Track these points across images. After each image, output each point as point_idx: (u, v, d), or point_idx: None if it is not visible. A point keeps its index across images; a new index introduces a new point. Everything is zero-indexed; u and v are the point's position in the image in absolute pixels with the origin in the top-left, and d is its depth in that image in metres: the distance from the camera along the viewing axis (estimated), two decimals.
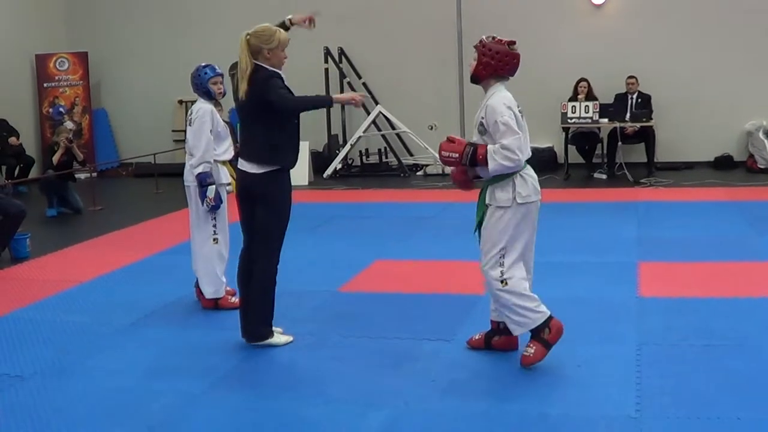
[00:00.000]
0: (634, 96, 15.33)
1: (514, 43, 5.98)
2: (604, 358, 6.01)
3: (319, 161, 16.68)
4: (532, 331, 5.87)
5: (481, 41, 5.93)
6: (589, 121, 14.82)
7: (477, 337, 6.27)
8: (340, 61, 17.12)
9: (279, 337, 6.45)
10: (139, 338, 6.79)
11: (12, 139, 16.01)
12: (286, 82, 6.27)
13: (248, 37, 6.25)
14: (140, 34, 18.20)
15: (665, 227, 10.52)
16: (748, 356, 5.95)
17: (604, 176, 14.99)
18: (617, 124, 14.68)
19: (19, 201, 10.52)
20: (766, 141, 15.12)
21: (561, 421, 5.03)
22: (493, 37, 5.96)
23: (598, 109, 14.76)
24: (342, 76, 17.04)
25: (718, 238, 9.76)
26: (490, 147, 5.78)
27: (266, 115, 6.18)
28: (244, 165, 6.32)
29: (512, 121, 5.79)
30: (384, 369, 5.99)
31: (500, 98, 5.83)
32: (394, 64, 16.80)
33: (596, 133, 15.29)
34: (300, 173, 15.82)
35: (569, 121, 14.92)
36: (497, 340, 6.18)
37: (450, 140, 5.95)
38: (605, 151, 15.31)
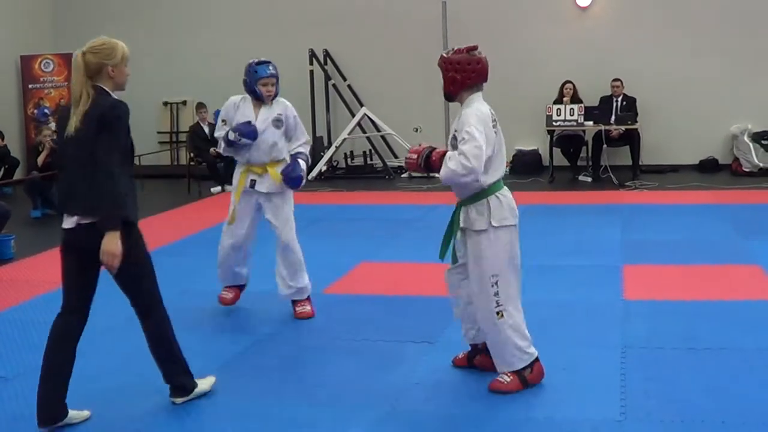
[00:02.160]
0: (619, 99, 15.37)
1: (474, 48, 5.64)
2: (589, 361, 6.01)
3: None
4: None
5: (441, 57, 5.73)
6: (574, 123, 14.85)
7: (460, 356, 6.05)
8: (326, 63, 17.12)
9: (203, 383, 5.62)
10: (124, 340, 6.76)
11: None
12: (130, 119, 5.17)
13: (84, 54, 5.05)
14: (125, 36, 17.92)
15: (650, 230, 10.54)
16: (732, 359, 5.97)
17: (589, 179, 15.03)
18: (602, 127, 14.71)
19: (3, 202, 10.50)
20: (751, 144, 15.19)
21: (546, 425, 5.03)
22: (453, 49, 5.73)
23: (583, 112, 14.80)
24: (327, 78, 17.05)
25: (703, 241, 9.78)
26: (448, 153, 5.43)
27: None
28: (75, 220, 5.05)
29: (477, 133, 5.27)
30: (369, 371, 5.98)
31: (473, 110, 5.45)
32: (379, 66, 16.81)
33: (581, 136, 15.32)
34: None
35: (554, 123, 14.96)
36: (479, 359, 5.91)
37: (419, 144, 5.77)
38: (590, 154, 15.34)
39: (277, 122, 7.30)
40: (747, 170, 15.07)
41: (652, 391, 5.42)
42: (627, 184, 14.25)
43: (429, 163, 5.51)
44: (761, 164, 15.02)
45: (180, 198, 14.65)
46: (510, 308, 5.51)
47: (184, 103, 18.21)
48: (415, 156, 5.59)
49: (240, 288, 7.67)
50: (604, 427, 4.95)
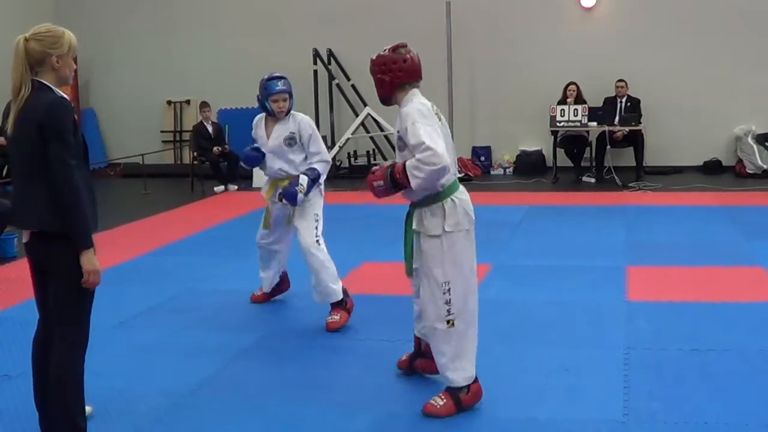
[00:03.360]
0: (623, 100, 15.35)
1: (401, 46, 5.44)
2: (592, 362, 6.01)
3: None
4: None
5: (370, 61, 5.54)
6: (578, 124, 14.84)
7: (404, 358, 5.94)
8: (329, 63, 17.12)
9: None
10: (126, 339, 6.77)
11: (0, 140, 15.94)
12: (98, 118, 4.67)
13: (27, 40, 4.54)
14: (129, 35, 18.15)
15: (654, 232, 10.54)
16: (735, 361, 5.96)
17: (592, 180, 15.02)
18: (606, 128, 14.70)
19: (6, 200, 10.49)
20: (755, 146, 15.17)
21: (548, 425, 5.02)
22: (381, 51, 5.52)
23: (587, 113, 14.78)
24: (331, 77, 17.04)
25: (707, 242, 9.77)
26: (407, 163, 5.06)
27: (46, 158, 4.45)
28: (28, 233, 4.69)
29: (422, 128, 5.00)
30: (372, 371, 5.98)
31: (412, 107, 5.18)
32: None
33: (585, 137, 15.30)
34: None
35: (558, 124, 14.94)
36: (420, 362, 5.82)
37: (372, 172, 5.32)
38: (594, 155, 15.33)
39: (290, 140, 7.24)
40: (751, 172, 15.06)
41: (656, 393, 5.41)
42: (630, 185, 14.23)
43: (395, 182, 5.15)
44: (765, 166, 15.02)
45: (183, 197, 14.65)
46: (459, 321, 5.25)
47: (188, 102, 18.20)
48: (381, 182, 5.21)
49: (269, 294, 7.79)
50: (606, 428, 4.95)
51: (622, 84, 15.36)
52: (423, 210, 5.24)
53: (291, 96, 7.22)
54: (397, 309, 7.43)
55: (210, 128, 15.72)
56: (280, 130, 7.24)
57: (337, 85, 17.00)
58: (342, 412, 5.30)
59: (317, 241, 7.23)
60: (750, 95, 15.52)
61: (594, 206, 12.57)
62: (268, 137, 7.33)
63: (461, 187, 5.33)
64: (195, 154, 15.87)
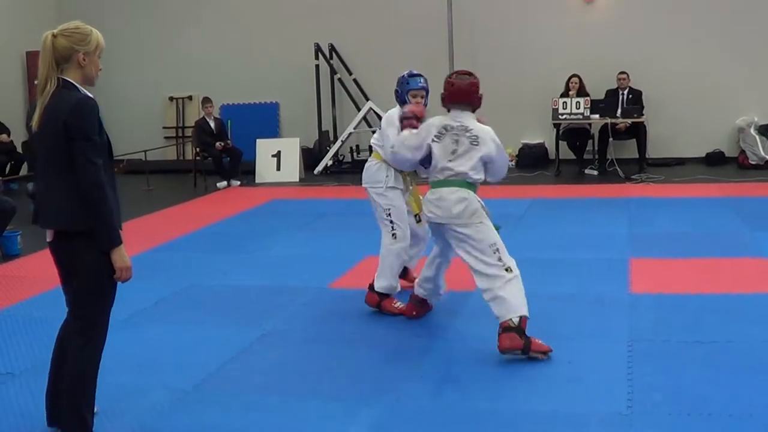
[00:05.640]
0: (625, 92, 15.35)
1: (458, 72, 6.77)
2: (596, 354, 6.01)
3: (310, 158, 16.68)
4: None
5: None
6: (581, 117, 14.83)
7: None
8: (331, 58, 17.12)
9: None
10: (130, 335, 6.77)
11: (2, 137, 15.97)
12: (101, 114, 4.62)
13: (55, 36, 4.51)
14: (130, 31, 18.14)
15: (656, 223, 10.53)
16: (739, 352, 5.95)
17: (595, 172, 15.01)
18: (608, 120, 14.70)
19: (8, 198, 10.50)
20: (757, 137, 15.16)
21: (552, 418, 5.02)
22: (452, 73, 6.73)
23: (589, 105, 14.78)
24: (333, 72, 17.05)
25: (710, 234, 9.77)
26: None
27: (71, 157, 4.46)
28: (51, 233, 4.70)
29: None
30: (375, 365, 5.99)
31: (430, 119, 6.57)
32: (384, 60, 16.77)
33: (587, 129, 15.30)
34: (291, 170, 15.85)
35: (560, 117, 14.94)
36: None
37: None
38: (596, 147, 15.33)
39: None
40: (753, 163, 15.05)
41: (659, 384, 5.41)
42: (633, 177, 14.23)
43: None
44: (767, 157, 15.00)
45: (186, 193, 14.66)
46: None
47: (190, 98, 18.21)
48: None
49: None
50: (610, 420, 4.94)
51: (624, 76, 15.35)
52: None
53: (428, 93, 7.57)
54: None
55: (212, 124, 15.71)
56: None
57: (339, 79, 17.00)
58: (345, 405, 5.30)
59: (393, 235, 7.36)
60: (752, 86, 15.51)
61: (597, 198, 12.56)
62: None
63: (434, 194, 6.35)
64: (197, 149, 15.87)
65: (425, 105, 7.49)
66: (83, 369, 4.68)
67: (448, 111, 6.54)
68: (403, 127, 6.82)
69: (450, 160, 6.29)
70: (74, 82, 4.53)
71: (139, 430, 5.13)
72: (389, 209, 7.34)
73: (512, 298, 6.00)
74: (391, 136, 7.07)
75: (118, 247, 4.55)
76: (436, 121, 6.48)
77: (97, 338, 4.71)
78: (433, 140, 6.38)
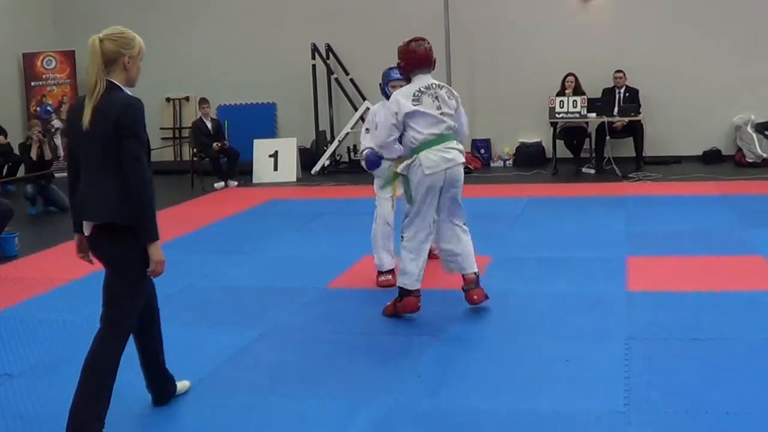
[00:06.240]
0: (622, 90, 15.36)
1: (417, 39, 7.02)
2: (593, 353, 6.01)
3: (307, 158, 16.69)
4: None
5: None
6: (577, 115, 14.84)
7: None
8: (328, 58, 17.11)
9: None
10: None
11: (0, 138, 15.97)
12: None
13: (102, 40, 4.80)
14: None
15: (653, 222, 10.54)
16: (736, 350, 5.96)
17: (592, 171, 15.02)
18: (605, 119, 14.71)
19: (5, 200, 10.50)
20: (754, 135, 15.18)
21: (549, 417, 5.03)
22: (403, 42, 7.05)
23: (586, 104, 14.79)
24: (329, 72, 17.04)
25: (707, 232, 9.77)
26: None
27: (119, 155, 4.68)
28: (90, 225, 4.86)
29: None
30: (373, 365, 5.99)
31: (396, 92, 6.90)
32: (381, 60, 16.65)
33: (584, 128, 15.31)
34: (288, 170, 15.86)
35: (557, 115, 14.94)
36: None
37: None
38: (593, 146, 15.34)
39: None
40: (750, 161, 15.06)
41: (656, 383, 5.42)
42: (630, 175, 14.23)
43: None
44: (764, 155, 15.02)
45: (184, 194, 14.66)
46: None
47: (187, 98, 18.22)
48: None
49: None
50: (607, 419, 4.95)
51: (621, 74, 15.37)
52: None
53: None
54: None
55: (209, 124, 15.71)
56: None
57: (336, 79, 17.01)
58: (344, 405, 5.31)
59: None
60: (749, 84, 15.51)
61: (594, 197, 12.57)
62: None
63: (437, 144, 6.71)
64: (194, 150, 15.87)
65: None
66: (108, 357, 4.88)
67: (408, 80, 6.94)
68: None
69: (441, 114, 6.72)
70: (119, 84, 4.82)
71: (138, 429, 5.14)
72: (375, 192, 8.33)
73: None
74: (365, 141, 7.85)
75: (155, 241, 4.78)
76: (397, 97, 6.77)
77: (126, 329, 4.95)
78: (413, 105, 6.67)
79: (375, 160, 7.42)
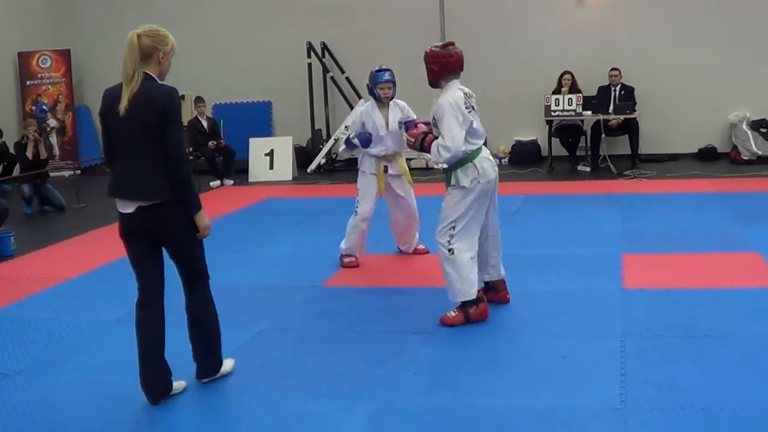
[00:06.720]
0: (617, 88, 15.35)
1: (449, 44, 6.89)
2: (589, 350, 6.02)
3: (303, 156, 16.69)
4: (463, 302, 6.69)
5: (425, 53, 6.88)
6: (573, 113, 14.83)
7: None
8: (323, 56, 17.11)
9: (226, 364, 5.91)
10: (125, 334, 6.72)
11: None
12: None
13: (139, 36, 5.24)
14: (123, 31, 17.83)
15: (649, 219, 10.54)
16: (732, 347, 5.97)
17: (588, 169, 15.02)
18: (601, 117, 14.70)
19: (2, 200, 10.50)
20: (749, 132, 15.18)
21: (546, 413, 5.04)
22: (433, 46, 6.90)
23: (581, 102, 14.78)
24: (325, 71, 17.04)
25: (702, 229, 9.78)
26: (434, 141, 6.64)
27: (160, 138, 5.14)
28: (134, 204, 5.31)
29: (453, 121, 6.49)
30: (369, 363, 6.00)
31: (444, 98, 6.62)
32: (377, 59, 16.66)
33: (580, 126, 15.30)
34: (284, 168, 15.86)
35: (553, 113, 14.94)
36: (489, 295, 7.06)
37: (415, 125, 7.14)
38: (589, 144, 15.32)
39: (401, 123, 8.57)
40: (746, 158, 15.06)
41: (652, 379, 5.43)
42: (626, 173, 14.23)
43: (423, 146, 6.81)
44: (760, 152, 15.01)
45: None
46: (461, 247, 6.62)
47: (183, 97, 18.13)
48: (413, 139, 6.91)
49: None
50: (604, 415, 4.96)
51: (616, 72, 15.35)
52: (453, 170, 6.65)
53: (395, 85, 8.72)
54: (394, 300, 7.47)
55: (205, 123, 15.70)
56: (394, 116, 8.63)
57: (332, 78, 17.01)
58: (340, 403, 5.32)
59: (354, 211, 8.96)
60: (744, 82, 15.51)
61: (589, 195, 12.58)
62: (387, 122, 8.64)
63: (484, 151, 6.74)
64: (190, 149, 15.85)
65: (393, 96, 8.71)
66: (215, 315, 5.72)
67: (439, 86, 6.84)
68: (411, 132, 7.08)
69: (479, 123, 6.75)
70: (153, 75, 5.25)
71: (135, 429, 5.14)
72: (358, 188, 8.86)
73: None
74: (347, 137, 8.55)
75: (200, 210, 5.33)
76: (454, 95, 6.65)
77: (208, 280, 5.71)
78: (469, 111, 6.66)
79: (368, 137, 8.58)
